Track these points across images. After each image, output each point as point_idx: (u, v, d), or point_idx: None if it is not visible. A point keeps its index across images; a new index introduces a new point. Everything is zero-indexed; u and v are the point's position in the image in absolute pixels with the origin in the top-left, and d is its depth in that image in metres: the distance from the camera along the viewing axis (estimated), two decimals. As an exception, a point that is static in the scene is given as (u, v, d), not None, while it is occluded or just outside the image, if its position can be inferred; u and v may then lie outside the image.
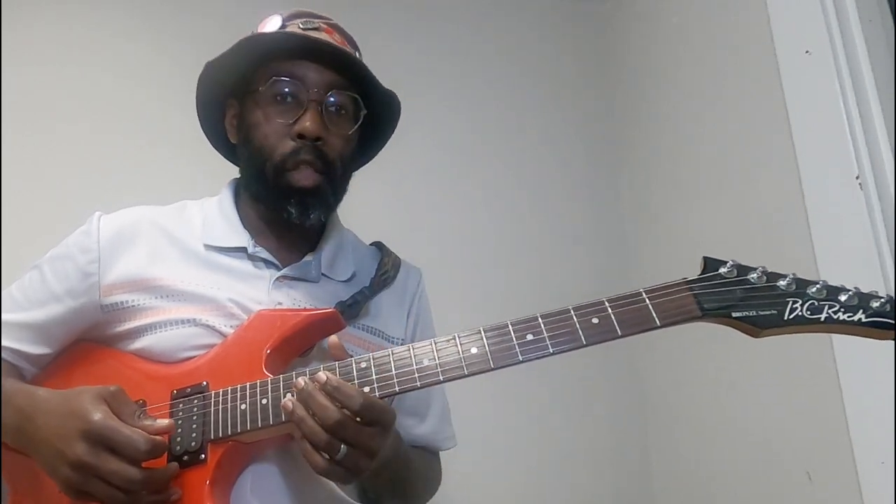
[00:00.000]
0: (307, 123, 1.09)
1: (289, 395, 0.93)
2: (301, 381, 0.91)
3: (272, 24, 1.14)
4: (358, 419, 0.89)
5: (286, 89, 1.11)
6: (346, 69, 1.13)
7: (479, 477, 1.95)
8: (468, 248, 2.19)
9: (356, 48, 1.21)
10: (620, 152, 2.40)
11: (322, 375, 0.90)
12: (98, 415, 0.90)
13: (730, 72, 1.88)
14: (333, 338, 0.99)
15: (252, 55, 1.14)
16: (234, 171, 1.24)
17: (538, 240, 2.27)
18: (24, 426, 0.97)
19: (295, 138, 1.10)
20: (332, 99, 1.12)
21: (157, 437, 0.92)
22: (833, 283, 0.89)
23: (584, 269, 2.25)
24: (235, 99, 1.19)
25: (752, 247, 1.70)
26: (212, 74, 1.18)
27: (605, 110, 2.45)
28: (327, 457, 0.88)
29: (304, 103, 1.10)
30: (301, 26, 1.13)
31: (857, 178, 1.48)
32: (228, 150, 1.25)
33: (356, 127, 1.16)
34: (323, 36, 1.14)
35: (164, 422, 0.96)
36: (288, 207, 1.12)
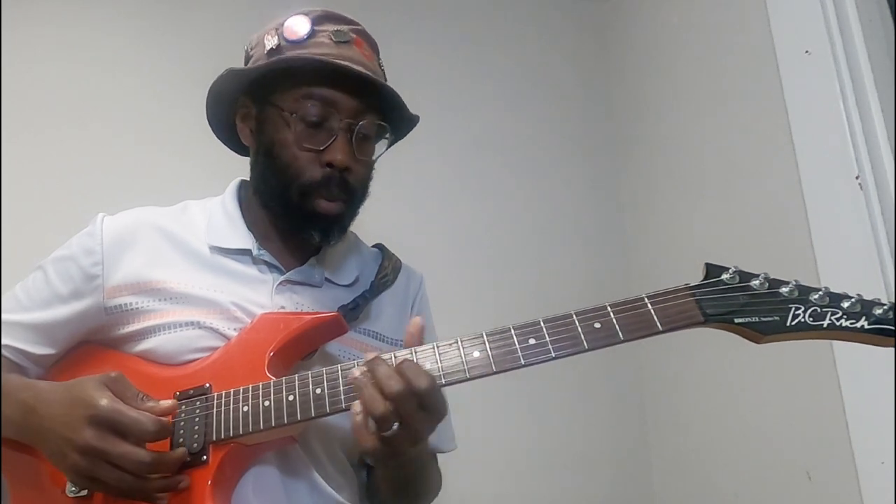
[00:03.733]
0: (338, 155, 1.08)
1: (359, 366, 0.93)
2: (371, 354, 0.92)
3: (300, 28, 1.10)
4: (417, 401, 0.88)
5: (317, 114, 1.09)
6: (378, 93, 1.12)
7: (479, 478, 1.95)
8: (470, 251, 2.19)
9: (378, 53, 1.19)
10: (621, 153, 2.40)
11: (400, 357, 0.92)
12: (104, 400, 0.91)
13: (730, 72, 1.88)
14: (417, 320, 0.99)
15: (283, 70, 1.11)
16: (236, 172, 1.24)
17: (540, 243, 2.27)
18: (27, 418, 0.98)
19: (324, 166, 1.09)
20: (362, 126, 1.10)
21: (163, 419, 0.94)
22: (832, 283, 0.90)
23: (583, 271, 2.25)
24: (249, 99, 1.16)
25: (751, 247, 1.70)
26: (228, 76, 1.15)
27: (605, 111, 2.45)
28: (375, 432, 0.88)
29: (334, 131, 1.09)
30: (333, 38, 1.10)
31: (857, 178, 1.48)
32: (233, 140, 1.23)
33: (383, 152, 1.17)
34: (354, 51, 1.11)
35: (167, 402, 0.97)
36: (311, 231, 1.12)
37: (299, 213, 1.11)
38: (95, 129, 2.00)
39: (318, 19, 1.12)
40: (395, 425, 0.87)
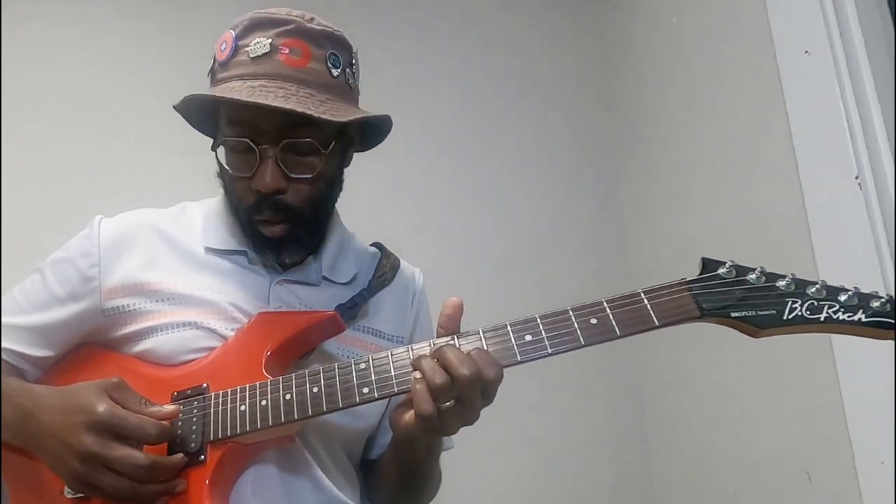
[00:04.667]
0: (265, 179, 1.04)
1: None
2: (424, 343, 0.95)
3: (223, 51, 1.07)
4: (482, 387, 0.89)
5: (240, 143, 1.05)
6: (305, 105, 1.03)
7: (478, 477, 1.95)
8: (467, 248, 2.19)
9: (333, 44, 1.10)
10: (620, 152, 2.40)
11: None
12: (102, 406, 0.91)
13: (730, 72, 1.88)
14: (455, 300, 0.98)
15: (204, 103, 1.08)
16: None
17: (537, 240, 2.28)
18: (25, 423, 0.98)
19: (255, 192, 1.06)
20: (286, 147, 1.05)
21: (164, 423, 0.94)
22: (833, 282, 0.89)
23: (583, 270, 2.26)
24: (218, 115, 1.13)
25: (752, 247, 1.71)
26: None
27: (605, 111, 2.46)
28: (433, 401, 0.88)
29: (257, 156, 1.04)
30: (251, 53, 1.04)
31: (857, 178, 1.48)
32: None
33: (322, 165, 1.09)
34: (274, 63, 1.04)
35: (169, 407, 0.97)
36: (264, 253, 1.11)
37: (250, 236, 1.11)
38: (95, 129, 2.00)
39: (244, 31, 1.07)
40: (452, 402, 0.88)
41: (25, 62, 1.99)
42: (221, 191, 1.22)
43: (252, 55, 1.05)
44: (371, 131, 1.19)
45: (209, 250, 1.13)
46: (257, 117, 1.03)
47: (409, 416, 0.92)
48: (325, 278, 1.17)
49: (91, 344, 1.12)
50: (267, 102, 0.99)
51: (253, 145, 1.04)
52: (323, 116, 1.02)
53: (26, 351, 1.10)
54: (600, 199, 2.38)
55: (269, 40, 1.05)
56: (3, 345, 1.09)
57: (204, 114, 1.16)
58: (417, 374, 0.90)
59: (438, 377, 0.87)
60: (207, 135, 1.21)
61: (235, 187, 1.09)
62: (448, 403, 0.88)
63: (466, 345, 0.93)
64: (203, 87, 1.15)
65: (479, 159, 2.29)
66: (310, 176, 1.08)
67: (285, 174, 1.06)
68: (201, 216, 1.19)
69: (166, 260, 1.12)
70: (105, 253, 1.10)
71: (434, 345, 0.94)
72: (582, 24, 2.53)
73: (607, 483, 2.12)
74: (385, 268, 1.23)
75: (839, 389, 1.48)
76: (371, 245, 1.32)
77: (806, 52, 1.61)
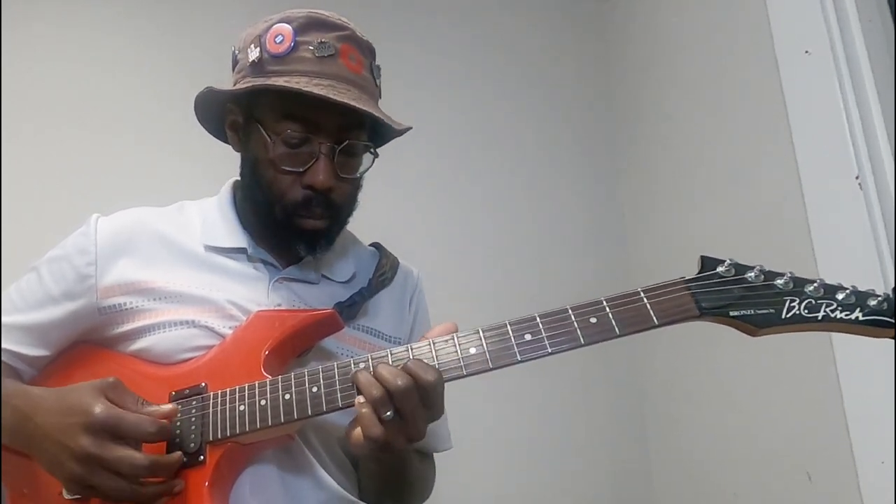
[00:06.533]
0: (319, 176, 1.06)
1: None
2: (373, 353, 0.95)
3: (281, 43, 1.07)
4: (420, 395, 0.89)
5: (298, 137, 1.06)
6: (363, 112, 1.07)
7: (477, 478, 1.95)
8: (467, 248, 2.20)
9: (372, 54, 1.15)
10: (620, 152, 2.40)
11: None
12: (99, 407, 0.91)
13: (730, 72, 1.88)
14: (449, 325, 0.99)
15: (265, 90, 1.08)
16: (235, 171, 1.24)
17: (537, 240, 2.27)
18: (22, 425, 0.97)
19: (305, 188, 1.07)
20: (345, 146, 1.08)
21: (163, 420, 0.94)
22: (831, 282, 0.89)
23: (582, 269, 2.26)
24: (237, 107, 1.14)
25: (752, 247, 1.70)
26: (209, 92, 1.14)
27: (605, 111, 2.46)
28: (379, 421, 0.88)
29: (315, 153, 1.07)
30: (315, 52, 1.06)
31: (857, 178, 1.48)
32: (223, 134, 1.21)
33: (369, 167, 1.14)
34: (338, 66, 1.07)
35: (167, 406, 0.97)
36: (296, 245, 1.12)
37: (284, 229, 1.11)
38: (95, 129, 2.00)
39: (302, 28, 1.07)
40: (391, 413, 0.88)
41: (25, 62, 1.99)
42: (221, 190, 1.23)
43: (318, 54, 1.06)
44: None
45: (209, 248, 1.13)
46: (321, 115, 1.06)
47: (357, 432, 0.92)
48: (323, 276, 1.17)
49: (87, 342, 1.12)
50: (356, 105, 1.03)
51: (314, 141, 1.07)
52: (398, 127, 1.11)
53: (22, 350, 1.10)
54: (600, 199, 2.38)
55: (333, 43, 1.07)
56: (2, 345, 1.09)
57: (212, 106, 1.16)
58: (361, 399, 0.90)
59: (375, 390, 0.88)
60: (206, 128, 1.22)
61: (279, 181, 1.09)
62: (388, 414, 0.88)
63: (466, 343, 0.93)
64: (206, 84, 1.15)
65: (478, 159, 2.29)
66: (356, 176, 1.13)
67: (336, 173, 1.08)
68: (199, 215, 1.19)
69: (164, 258, 1.11)
70: (102, 251, 1.10)
71: (434, 345, 0.94)
72: (582, 24, 2.53)
73: (607, 482, 2.12)
74: (385, 268, 1.24)
75: (839, 389, 1.48)
76: (370, 245, 1.32)
77: (806, 52, 1.61)
